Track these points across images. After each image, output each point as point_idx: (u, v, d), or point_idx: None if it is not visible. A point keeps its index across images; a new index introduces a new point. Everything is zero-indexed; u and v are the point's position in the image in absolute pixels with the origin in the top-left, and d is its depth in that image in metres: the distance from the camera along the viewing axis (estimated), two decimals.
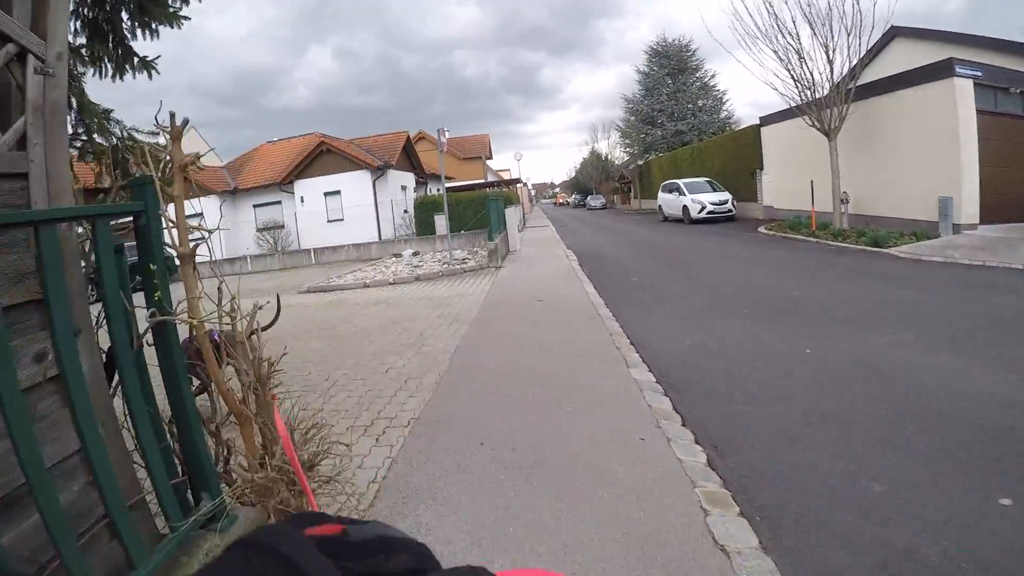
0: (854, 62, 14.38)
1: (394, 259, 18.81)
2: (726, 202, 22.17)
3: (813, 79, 15.07)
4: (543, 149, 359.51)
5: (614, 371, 5.40)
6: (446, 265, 14.84)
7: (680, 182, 24.35)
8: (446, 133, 16.23)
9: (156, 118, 2.59)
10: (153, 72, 4.09)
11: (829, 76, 14.68)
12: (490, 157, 54.82)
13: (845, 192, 15.07)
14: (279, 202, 26.51)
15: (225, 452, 2.99)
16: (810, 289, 8.55)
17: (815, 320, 6.78)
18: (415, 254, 19.24)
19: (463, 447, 4.00)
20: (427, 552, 0.43)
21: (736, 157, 24.66)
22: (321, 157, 25.50)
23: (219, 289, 3.00)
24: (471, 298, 10.07)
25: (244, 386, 2.94)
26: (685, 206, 22.96)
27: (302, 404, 5.27)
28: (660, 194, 26.40)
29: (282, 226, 26.04)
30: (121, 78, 4.12)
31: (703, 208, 22.02)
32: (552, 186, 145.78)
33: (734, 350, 5.91)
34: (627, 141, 47.31)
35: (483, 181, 43.50)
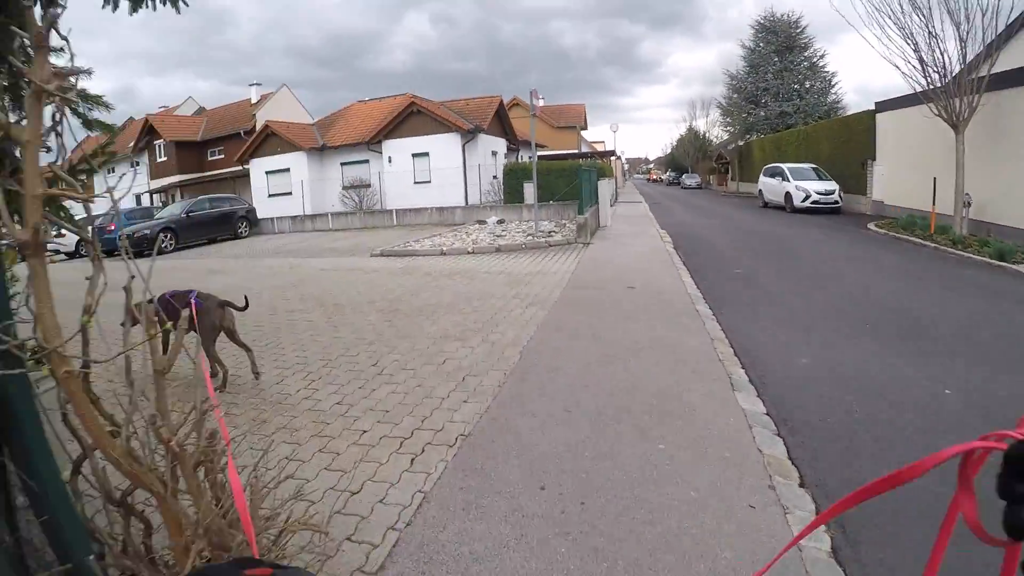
0: (988, 45, 12.20)
1: (477, 226, 18.01)
2: (832, 192, 20.11)
3: (944, 62, 12.91)
4: (639, 123, 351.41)
5: (716, 393, 4.32)
6: (530, 237, 13.88)
7: (784, 167, 22.39)
8: (540, 98, 15.00)
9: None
10: (181, 5, 3.21)
11: (961, 60, 12.56)
12: (584, 127, 53.22)
13: (967, 194, 12.99)
14: (367, 161, 26.16)
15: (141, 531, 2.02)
16: (939, 307, 6.98)
17: (953, 349, 5.36)
18: (500, 222, 18.31)
19: (519, 490, 3.05)
20: None
21: (846, 144, 22.36)
22: (411, 118, 24.89)
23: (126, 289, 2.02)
24: (554, 277, 9.09)
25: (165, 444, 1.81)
26: (788, 193, 21.04)
27: (339, 397, 4.60)
28: (761, 178, 24.47)
29: (368, 185, 25.70)
30: (137, 10, 3.26)
31: (807, 196, 20.08)
32: (646, 161, 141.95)
33: (859, 378, 4.69)
34: (728, 120, 44.55)
35: (576, 152, 42.16)
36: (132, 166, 39.65)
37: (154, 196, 36.13)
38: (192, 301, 5.02)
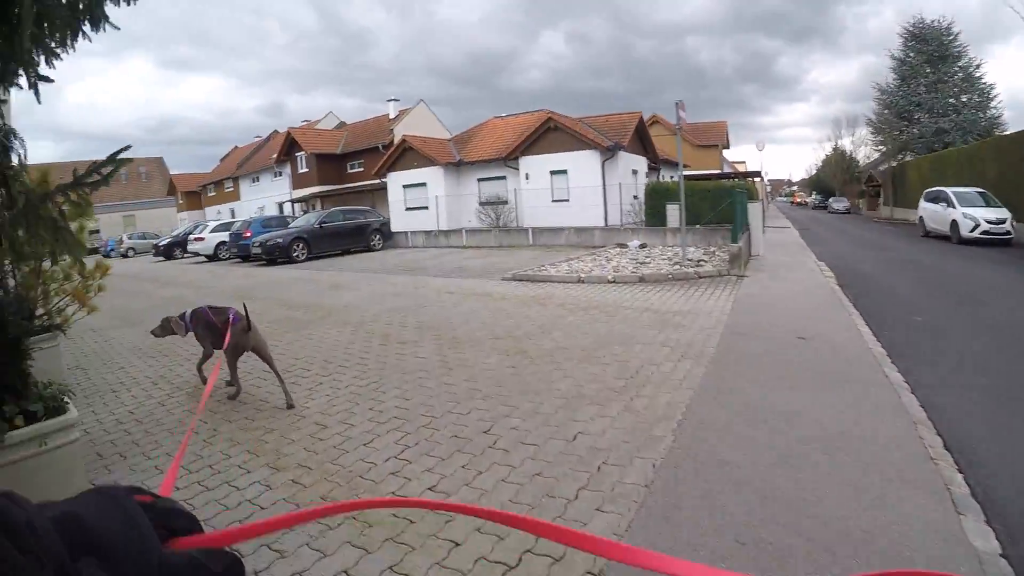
0: None
1: (618, 249, 16.87)
2: (1004, 221, 17.34)
3: None
4: (779, 143, 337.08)
5: (931, 517, 2.98)
6: (677, 266, 12.55)
7: (949, 191, 19.58)
8: (684, 110, 13.48)
9: None
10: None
11: None
12: (727, 146, 50.78)
13: None
14: (503, 177, 25.73)
15: None
16: None
17: None
18: (642, 246, 17.11)
19: None
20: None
21: (1018, 165, 19.43)
22: (548, 134, 24.20)
23: None
24: (707, 319, 7.76)
25: None
26: (954, 221, 18.36)
27: (434, 479, 3.53)
28: (922, 203, 21.69)
29: (504, 202, 25.26)
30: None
31: (976, 226, 17.42)
32: (788, 183, 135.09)
33: None
34: (878, 138, 40.54)
35: (720, 172, 40.03)
36: (274, 176, 41.70)
37: (295, 205, 37.58)
38: (230, 318, 5.46)
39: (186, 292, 15.57)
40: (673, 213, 18.96)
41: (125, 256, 42.69)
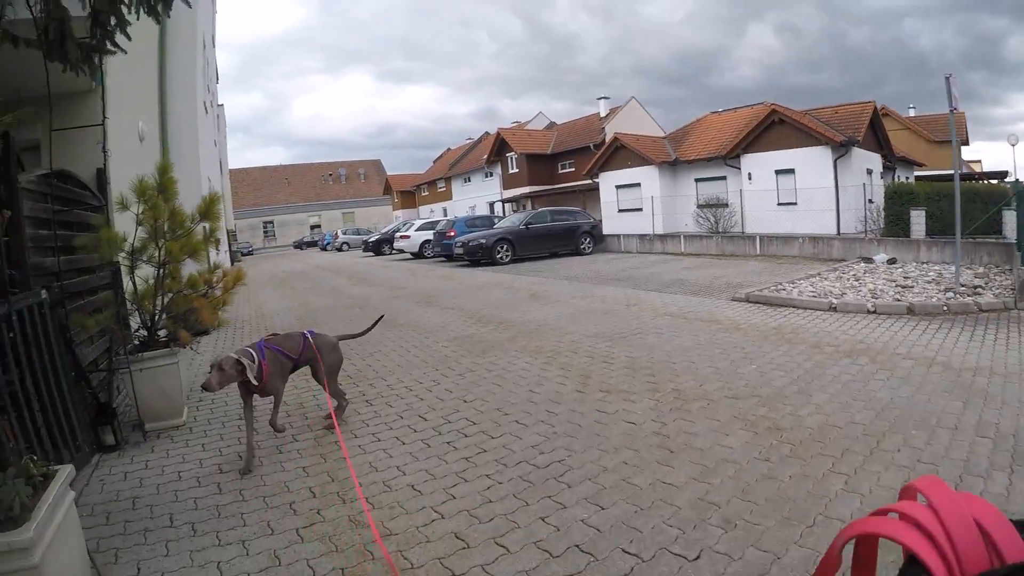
0: None
1: (863, 264, 13.97)
2: None
3: None
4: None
5: None
6: (949, 292, 9.55)
7: None
8: (956, 87, 10.31)
9: None
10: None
11: None
12: (966, 142, 43.53)
13: None
14: (723, 177, 23.36)
15: None
16: None
17: None
18: (891, 261, 14.10)
19: None
20: None
21: None
22: (772, 129, 21.47)
23: None
24: None
25: None
26: None
27: None
28: None
29: (725, 205, 22.75)
30: None
31: None
32: None
33: None
34: None
35: (959, 172, 34.10)
36: (485, 176, 42.05)
37: (506, 205, 37.54)
38: (306, 336, 4.92)
39: (375, 293, 15.39)
40: (919, 221, 15.91)
41: (339, 250, 45.38)
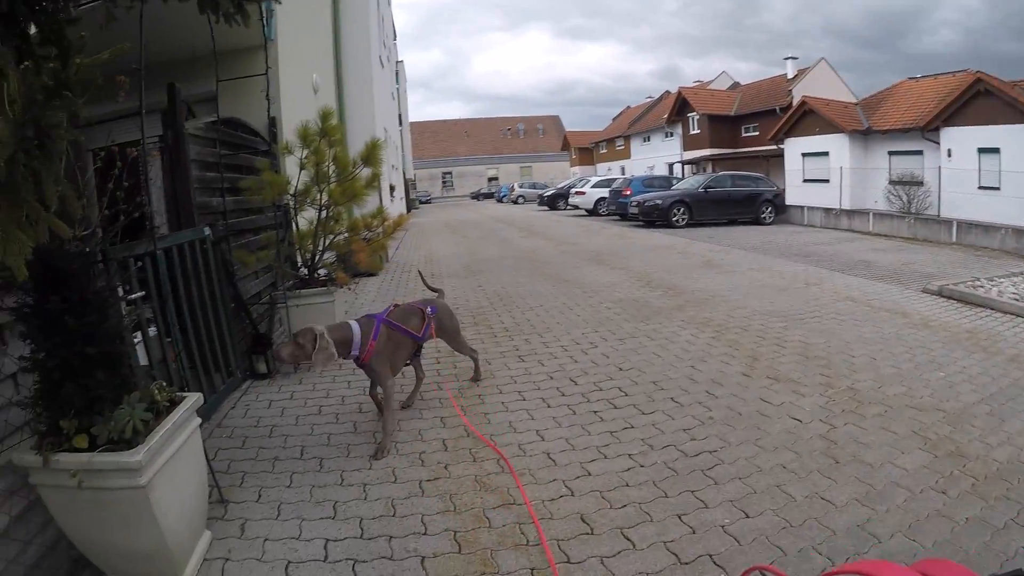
0: None
1: None
2: None
3: None
4: None
5: None
6: None
7: None
8: None
9: None
10: None
11: None
12: None
13: None
14: (919, 152, 20.66)
15: None
16: None
17: None
18: None
19: None
20: None
21: None
22: (976, 101, 18.48)
23: None
24: None
25: None
26: None
27: None
28: None
29: (920, 183, 20.20)
30: None
31: None
32: None
33: None
34: None
35: None
36: (665, 136, 40.72)
37: (685, 167, 36.24)
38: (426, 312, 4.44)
39: (544, 247, 15.36)
40: None
41: (515, 203, 46.09)
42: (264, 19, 6.97)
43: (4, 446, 2.46)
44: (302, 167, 5.89)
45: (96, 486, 2.28)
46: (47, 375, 2.36)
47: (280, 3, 6.53)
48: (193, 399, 2.78)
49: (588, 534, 2.90)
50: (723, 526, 2.94)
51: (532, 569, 2.63)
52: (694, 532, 2.89)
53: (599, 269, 11.18)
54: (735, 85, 42.24)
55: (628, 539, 2.84)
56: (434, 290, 5.18)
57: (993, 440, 3.89)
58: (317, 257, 6.04)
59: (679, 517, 3.02)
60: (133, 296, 3.60)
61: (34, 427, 2.41)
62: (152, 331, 3.94)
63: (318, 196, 5.90)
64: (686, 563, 2.66)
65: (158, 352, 3.95)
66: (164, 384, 2.76)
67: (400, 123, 38.77)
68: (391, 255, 14.17)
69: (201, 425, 2.91)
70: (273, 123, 7.11)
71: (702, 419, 4.23)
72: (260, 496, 3.32)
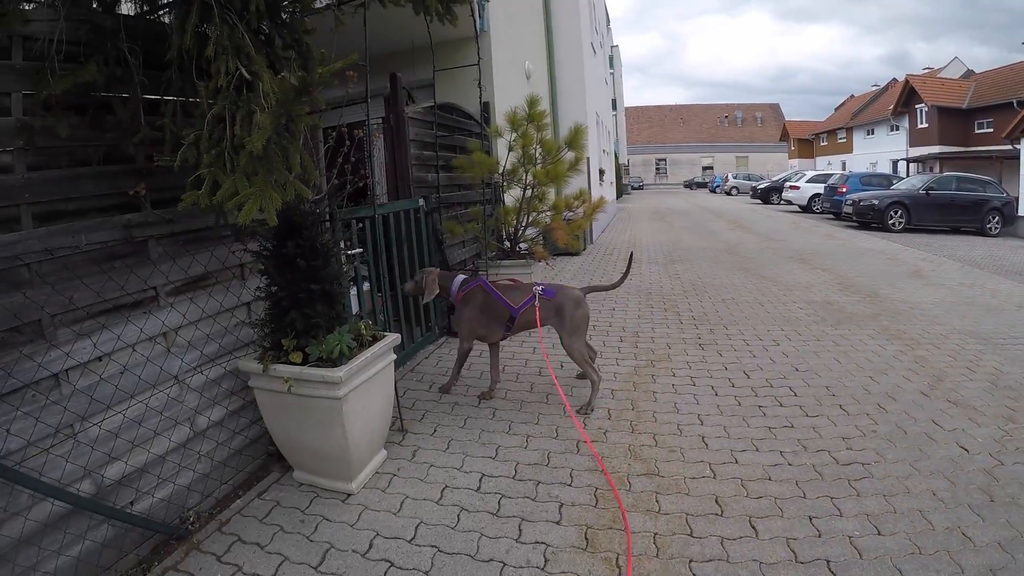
0: None
1: None
2: None
3: None
4: None
5: None
6: None
7: None
8: None
9: None
10: None
11: None
12: None
13: None
14: None
15: None
16: None
17: None
18: None
19: None
20: None
21: None
22: None
23: None
24: None
25: None
26: None
27: None
28: None
29: None
30: None
31: None
32: None
33: None
34: None
35: None
36: (891, 130, 37.17)
37: (911, 165, 32.94)
38: (535, 291, 4.26)
39: (749, 241, 14.94)
40: None
41: (728, 193, 44.77)
42: (478, 13, 7.60)
43: (234, 356, 3.23)
44: (510, 149, 6.42)
45: (302, 393, 2.93)
46: (277, 303, 3.06)
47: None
48: (392, 338, 3.37)
49: (717, 515, 3.03)
50: (851, 537, 2.91)
51: (655, 534, 2.84)
52: (819, 535, 2.90)
53: (800, 268, 10.78)
54: (969, 73, 37.11)
55: (753, 527, 2.94)
56: (612, 286, 4.81)
57: None
58: (520, 232, 6.55)
59: (810, 519, 3.03)
60: (353, 252, 4.26)
61: (259, 343, 3.15)
62: (366, 286, 4.66)
63: (524, 176, 6.39)
64: (801, 563, 2.71)
65: (368, 304, 4.68)
66: (371, 323, 3.39)
67: (614, 108, 39.06)
68: (595, 237, 14.56)
69: (397, 368, 3.49)
70: (486, 108, 7.73)
71: (865, 431, 4.09)
72: (435, 431, 3.89)
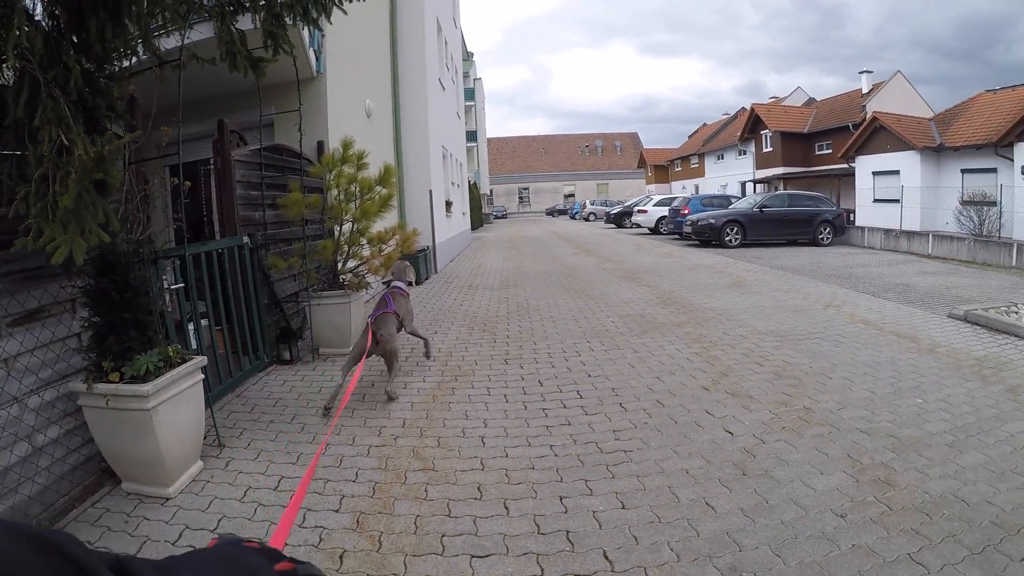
0: None
1: None
2: None
3: None
4: None
5: None
6: None
7: None
8: None
9: None
10: None
11: None
12: None
13: None
14: (993, 170, 20.13)
15: None
16: None
17: None
18: None
19: None
20: None
21: None
22: None
23: None
24: None
25: None
26: None
27: None
28: None
29: (993, 203, 19.22)
30: None
31: None
32: None
33: None
34: None
35: None
36: (739, 155, 40.62)
37: (757, 185, 36.18)
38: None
39: (589, 264, 16.03)
40: None
41: (586, 219, 47.11)
42: (313, 56, 8.09)
43: (67, 380, 3.69)
44: (328, 188, 6.99)
45: (119, 407, 3.46)
46: (97, 330, 3.62)
47: (323, 33, 7.73)
48: (197, 360, 3.94)
49: (476, 499, 3.54)
50: (595, 512, 3.35)
51: (417, 516, 3.39)
52: (566, 511, 3.35)
53: (627, 286, 11.66)
54: (810, 101, 41.70)
55: (506, 508, 3.43)
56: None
57: (936, 472, 3.74)
58: (341, 265, 7.09)
59: (560, 499, 3.48)
60: (174, 286, 4.73)
61: (86, 367, 3.65)
62: (204, 322, 5.19)
63: (341, 213, 6.97)
64: (543, 534, 3.15)
65: (208, 338, 5.20)
66: (179, 347, 3.94)
67: (473, 140, 40.11)
68: (441, 267, 15.22)
69: (225, 393, 4.36)
70: (321, 147, 8.23)
71: (637, 423, 4.59)
72: (249, 445, 4.42)
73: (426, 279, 13.07)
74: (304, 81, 7.99)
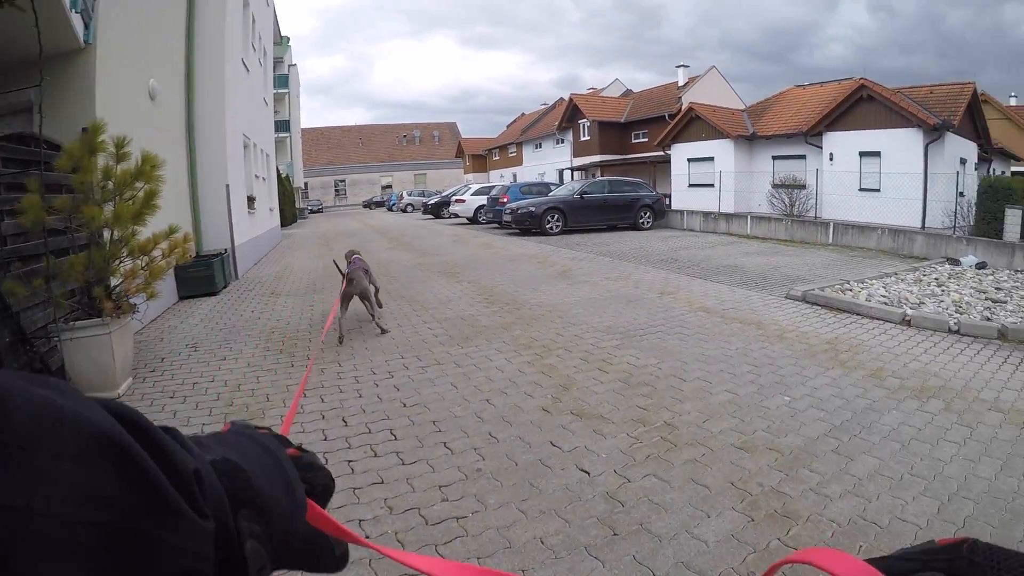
0: None
1: (948, 267, 12.16)
2: None
3: None
4: None
5: None
6: None
7: None
8: None
9: None
10: None
11: None
12: None
13: None
14: (803, 156, 21.91)
15: None
16: None
17: None
18: (980, 266, 12.30)
19: None
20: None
21: None
22: (859, 106, 19.88)
23: None
24: None
25: None
26: None
27: None
28: None
29: (802, 186, 20.96)
30: None
31: None
32: None
33: None
34: None
35: None
36: (556, 143, 41.09)
37: (575, 173, 36.77)
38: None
39: (404, 259, 14.85)
40: (1014, 221, 14.26)
41: (404, 211, 45.73)
42: (80, 22, 6.24)
43: None
44: (77, 187, 5.07)
45: None
46: None
47: None
48: None
49: None
50: None
51: None
52: None
53: (446, 283, 10.69)
54: (627, 92, 43.15)
55: None
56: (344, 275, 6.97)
57: (834, 490, 3.32)
58: (92, 285, 5.21)
59: None
60: None
61: None
62: None
63: (93, 219, 5.07)
64: None
65: None
66: None
67: (286, 130, 37.25)
68: (242, 272, 13.17)
69: None
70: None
71: (469, 472, 3.63)
72: None
73: (224, 288, 10.99)
74: (70, 54, 6.35)
